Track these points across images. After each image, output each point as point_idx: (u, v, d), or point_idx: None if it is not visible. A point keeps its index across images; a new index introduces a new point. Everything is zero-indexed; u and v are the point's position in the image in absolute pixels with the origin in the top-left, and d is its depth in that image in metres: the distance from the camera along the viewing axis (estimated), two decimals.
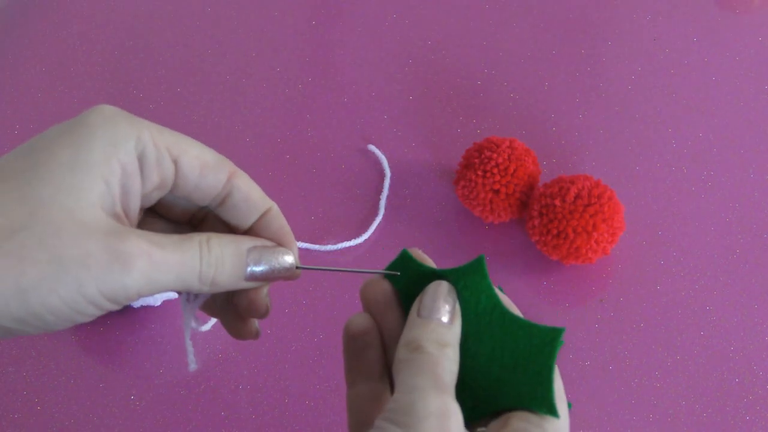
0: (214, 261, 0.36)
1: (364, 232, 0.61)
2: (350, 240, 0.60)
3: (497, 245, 0.60)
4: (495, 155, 0.58)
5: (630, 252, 0.60)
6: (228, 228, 0.39)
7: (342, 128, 0.67)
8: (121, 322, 0.57)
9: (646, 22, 0.73)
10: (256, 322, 0.40)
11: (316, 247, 0.60)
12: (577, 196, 0.55)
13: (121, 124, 0.34)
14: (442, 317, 0.35)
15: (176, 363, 0.56)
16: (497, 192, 0.58)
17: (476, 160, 0.58)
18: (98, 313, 0.34)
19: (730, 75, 0.69)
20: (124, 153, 0.34)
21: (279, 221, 0.40)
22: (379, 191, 0.63)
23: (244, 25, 0.74)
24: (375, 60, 0.71)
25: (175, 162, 0.36)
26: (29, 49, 0.72)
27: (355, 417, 0.36)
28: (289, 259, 0.38)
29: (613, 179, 0.62)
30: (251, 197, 0.39)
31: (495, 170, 0.58)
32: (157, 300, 0.54)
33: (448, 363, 0.34)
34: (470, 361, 0.36)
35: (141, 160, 0.35)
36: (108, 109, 0.35)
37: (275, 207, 0.40)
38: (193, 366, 0.38)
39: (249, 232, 0.39)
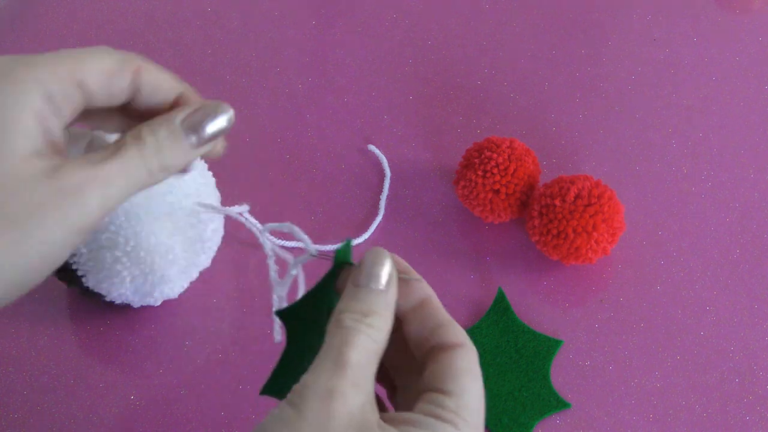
0: (153, 151, 0.37)
1: (364, 232, 0.61)
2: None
3: (497, 245, 0.61)
4: (495, 155, 0.58)
5: (630, 252, 0.60)
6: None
7: (342, 128, 0.67)
8: (121, 322, 0.57)
9: (646, 22, 0.73)
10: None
11: (316, 246, 0.60)
12: (577, 196, 0.55)
13: (20, 73, 0.36)
14: (378, 285, 0.35)
15: (176, 363, 0.56)
16: (497, 192, 0.58)
17: (476, 160, 0.58)
18: (74, 249, 0.35)
19: (730, 75, 0.69)
20: (32, 101, 0.35)
21: (194, 98, 0.41)
22: (379, 191, 0.63)
23: (244, 25, 0.74)
24: (375, 60, 0.71)
25: (80, 85, 0.37)
26: (29, 49, 0.72)
27: None
28: (222, 110, 0.40)
29: (613, 179, 0.62)
30: (160, 86, 0.39)
31: (495, 170, 0.58)
32: (157, 300, 0.54)
33: (362, 337, 0.33)
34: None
35: (49, 100, 0.36)
36: (3, 60, 0.36)
37: (188, 88, 0.41)
38: (278, 338, 0.40)
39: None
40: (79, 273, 0.52)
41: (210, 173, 0.56)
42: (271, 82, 0.70)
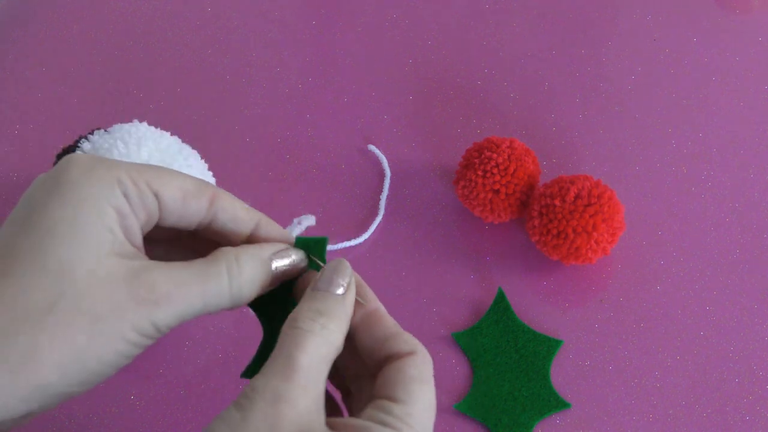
0: (245, 277, 0.37)
1: (364, 232, 0.61)
2: (350, 240, 0.60)
3: (497, 245, 0.61)
4: (495, 155, 0.58)
5: (630, 252, 0.60)
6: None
7: (342, 128, 0.67)
8: None
9: (646, 22, 0.73)
10: None
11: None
12: (577, 196, 0.55)
13: (100, 171, 0.35)
14: (337, 290, 0.36)
15: (176, 363, 0.56)
16: (497, 192, 0.58)
17: (476, 160, 0.58)
18: (140, 351, 0.35)
19: (730, 75, 0.69)
20: (113, 197, 0.35)
21: (274, 229, 0.41)
22: (379, 191, 0.63)
23: (244, 25, 0.74)
24: (375, 60, 0.71)
25: (156, 195, 0.37)
26: (29, 49, 0.72)
27: None
28: (300, 256, 0.40)
29: (613, 179, 0.62)
30: (237, 216, 0.39)
31: (495, 170, 0.58)
32: None
33: (316, 340, 0.34)
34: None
35: (128, 200, 0.36)
36: (83, 158, 0.36)
37: (264, 217, 0.41)
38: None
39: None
40: None
41: (210, 173, 0.56)
42: (271, 82, 0.70)
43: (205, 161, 0.56)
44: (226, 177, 0.59)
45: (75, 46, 0.72)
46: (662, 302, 0.58)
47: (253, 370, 0.42)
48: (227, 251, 0.37)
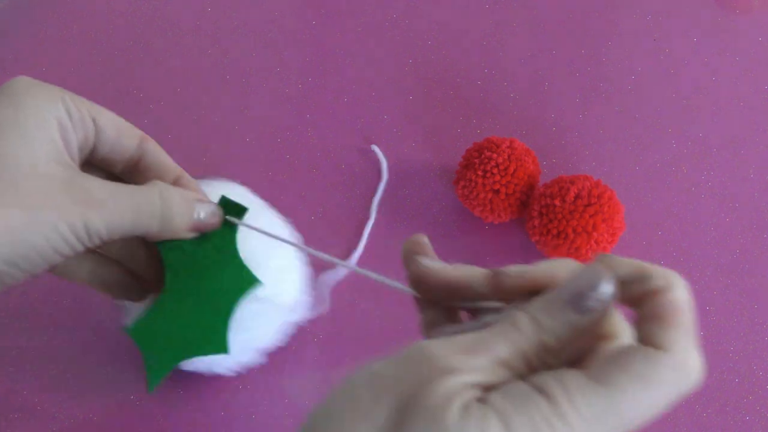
0: (176, 206, 0.41)
1: (364, 232, 0.61)
2: (352, 250, 0.60)
3: (497, 245, 0.60)
4: (495, 155, 0.58)
5: (630, 252, 0.60)
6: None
7: (342, 128, 0.67)
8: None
9: (646, 22, 0.73)
10: None
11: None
12: (577, 196, 0.55)
13: (45, 88, 0.39)
14: (577, 313, 0.28)
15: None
16: (497, 192, 0.58)
17: (476, 160, 0.58)
18: (71, 252, 0.38)
19: (730, 75, 0.69)
20: (56, 110, 0.39)
21: (194, 184, 0.45)
22: (379, 192, 0.63)
23: (244, 25, 0.74)
24: (375, 60, 0.71)
25: (94, 121, 0.41)
26: (29, 49, 0.72)
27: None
28: (219, 213, 0.44)
29: (613, 179, 0.62)
30: (162, 161, 0.44)
31: (495, 170, 0.58)
32: (230, 370, 0.53)
33: (517, 339, 0.28)
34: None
35: (70, 117, 0.39)
36: (26, 79, 0.39)
37: (185, 174, 0.45)
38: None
39: None
40: None
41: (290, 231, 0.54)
42: (271, 82, 0.70)
43: (204, 160, 0.56)
44: (227, 177, 0.59)
45: (75, 46, 0.72)
46: None
47: (137, 327, 0.44)
48: (160, 183, 0.41)
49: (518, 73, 0.70)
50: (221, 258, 0.45)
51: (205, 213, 0.43)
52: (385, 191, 0.63)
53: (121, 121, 0.42)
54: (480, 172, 0.58)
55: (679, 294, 0.30)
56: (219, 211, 0.44)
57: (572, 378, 0.26)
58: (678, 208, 0.62)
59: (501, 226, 0.61)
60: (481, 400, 0.26)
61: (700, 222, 0.61)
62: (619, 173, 0.64)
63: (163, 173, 0.43)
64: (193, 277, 0.45)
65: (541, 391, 0.25)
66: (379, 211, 0.62)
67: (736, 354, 0.56)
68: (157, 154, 0.43)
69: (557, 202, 0.55)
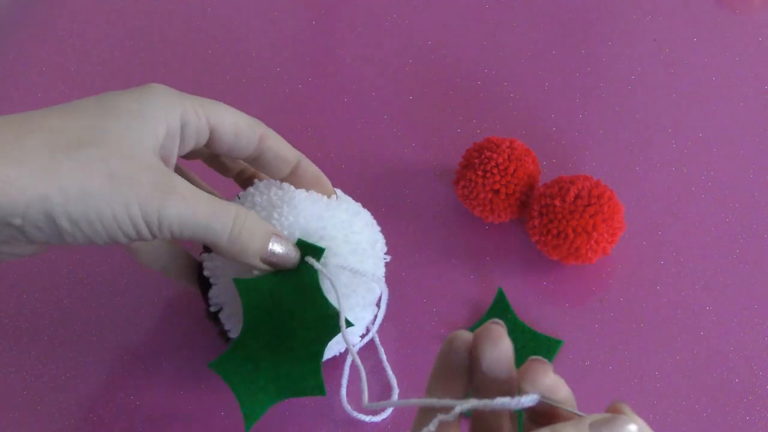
0: (247, 229, 0.43)
1: None
2: None
3: (497, 245, 0.61)
4: (495, 155, 0.58)
5: (630, 252, 0.60)
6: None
7: (342, 128, 0.67)
8: (120, 321, 0.57)
9: (646, 22, 0.73)
10: None
11: None
12: (577, 196, 0.55)
13: (173, 97, 0.43)
14: None
15: (176, 363, 0.56)
16: (497, 192, 0.58)
17: (476, 160, 0.58)
18: (135, 236, 0.40)
19: (730, 75, 0.69)
20: (171, 117, 0.42)
21: (311, 169, 0.49)
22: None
23: (244, 25, 0.74)
24: (375, 60, 0.71)
25: (212, 130, 0.44)
26: (29, 49, 0.72)
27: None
28: (294, 253, 0.46)
29: (613, 179, 0.62)
30: (281, 154, 0.47)
31: (495, 170, 0.58)
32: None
33: None
34: None
35: (183, 127, 0.43)
36: (161, 87, 0.43)
37: (304, 158, 0.49)
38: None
39: (285, 180, 0.49)
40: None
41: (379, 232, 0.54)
42: (271, 82, 0.70)
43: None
44: (226, 177, 0.59)
45: (75, 46, 0.72)
46: (662, 302, 0.58)
47: (220, 362, 0.44)
48: (240, 208, 0.43)
49: (518, 73, 0.70)
50: (304, 299, 0.45)
51: (280, 248, 0.45)
52: (385, 191, 0.63)
53: (242, 124, 0.45)
54: (480, 172, 0.58)
55: None
56: (294, 251, 0.46)
57: None
58: (678, 208, 0.62)
59: (501, 226, 0.61)
60: None
61: (700, 222, 0.61)
62: (619, 173, 0.64)
63: (280, 166, 0.48)
64: (274, 318, 0.45)
65: None
66: (378, 212, 0.62)
67: (736, 354, 0.56)
68: (276, 149, 0.47)
69: (557, 202, 0.55)
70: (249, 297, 0.45)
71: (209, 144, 0.46)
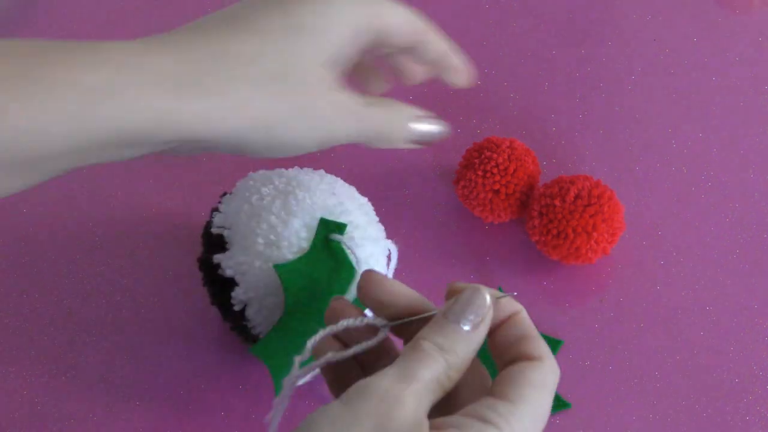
0: (404, 119, 0.44)
1: None
2: None
3: (497, 245, 0.61)
4: (495, 155, 0.58)
5: (630, 252, 0.60)
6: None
7: None
8: (120, 321, 0.57)
9: (646, 22, 0.73)
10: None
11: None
12: (577, 197, 0.55)
13: (357, 5, 0.41)
14: (464, 326, 0.35)
15: (176, 363, 0.56)
16: (497, 192, 0.58)
17: (476, 160, 0.58)
18: (312, 149, 0.41)
19: (730, 75, 0.69)
20: (349, 30, 0.41)
21: (458, 65, 0.50)
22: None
23: None
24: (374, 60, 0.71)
25: (379, 39, 0.43)
26: None
27: None
28: (437, 128, 0.46)
29: (613, 179, 0.62)
30: (438, 49, 0.47)
31: (495, 170, 0.58)
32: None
33: (434, 365, 0.33)
34: None
35: (356, 37, 0.41)
36: None
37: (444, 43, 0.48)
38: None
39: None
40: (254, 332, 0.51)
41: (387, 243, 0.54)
42: None
43: (204, 160, 0.56)
44: (226, 177, 0.59)
45: None
46: (662, 302, 0.58)
47: (262, 347, 0.43)
48: (399, 105, 0.45)
49: (518, 73, 0.70)
50: (339, 276, 0.46)
51: (424, 130, 0.45)
52: (385, 191, 0.63)
53: (406, 28, 0.44)
54: (480, 172, 0.58)
55: (526, 314, 0.38)
56: (437, 127, 0.47)
57: (501, 405, 0.32)
58: (678, 208, 0.62)
59: (501, 226, 0.61)
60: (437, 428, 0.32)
61: (700, 222, 0.61)
62: (619, 173, 0.64)
63: (432, 58, 0.47)
64: (313, 298, 0.46)
65: (485, 420, 0.32)
66: (379, 212, 0.62)
67: (736, 354, 0.56)
68: (435, 49, 0.47)
69: (557, 202, 0.55)
70: (289, 280, 0.45)
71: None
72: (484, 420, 0.32)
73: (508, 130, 0.66)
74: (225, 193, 0.53)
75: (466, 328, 0.34)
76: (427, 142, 0.45)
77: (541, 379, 0.34)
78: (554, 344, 0.56)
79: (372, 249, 0.50)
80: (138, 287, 0.59)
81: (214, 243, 0.51)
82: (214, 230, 0.51)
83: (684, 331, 0.57)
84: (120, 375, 0.55)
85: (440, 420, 0.32)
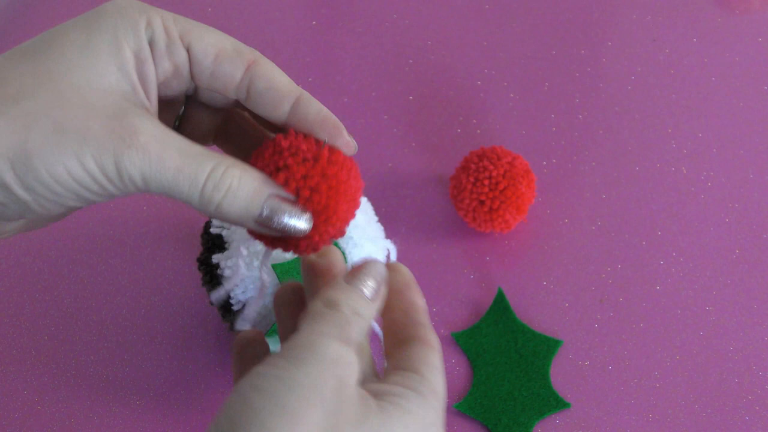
0: (224, 188, 0.34)
1: None
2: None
3: (497, 245, 0.60)
4: (491, 167, 0.57)
5: (630, 252, 0.60)
6: (262, 124, 0.39)
7: None
8: (121, 321, 0.57)
9: (646, 22, 0.73)
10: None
11: None
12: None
13: (131, 11, 0.34)
14: (366, 290, 0.35)
15: (175, 363, 0.56)
16: (482, 203, 0.57)
17: (473, 165, 0.58)
18: (100, 190, 0.33)
19: (730, 75, 0.69)
20: (133, 39, 0.34)
21: (315, 107, 0.39)
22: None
23: (245, 25, 0.74)
24: (375, 60, 0.71)
25: (188, 49, 0.36)
26: None
27: None
28: (303, 225, 0.36)
29: (613, 179, 0.62)
30: (275, 85, 0.37)
31: (486, 181, 0.57)
32: None
33: (358, 327, 0.33)
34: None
35: (151, 46, 0.35)
36: (121, 2, 0.35)
37: (306, 93, 0.38)
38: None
39: (286, 125, 0.38)
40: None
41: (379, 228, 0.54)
42: None
43: None
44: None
45: None
46: (662, 302, 0.58)
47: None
48: (227, 157, 0.35)
49: (518, 74, 0.70)
50: None
51: (280, 221, 0.35)
52: (385, 192, 0.63)
53: (226, 45, 0.36)
54: (471, 179, 0.57)
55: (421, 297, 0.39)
56: (304, 216, 0.36)
57: (423, 380, 0.34)
58: (677, 208, 0.62)
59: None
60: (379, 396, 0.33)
61: (699, 222, 0.61)
62: (618, 173, 0.64)
63: (276, 102, 0.37)
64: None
65: (419, 392, 0.33)
66: (379, 212, 0.62)
67: (736, 354, 0.56)
68: (270, 78, 0.37)
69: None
70: (287, 279, 0.46)
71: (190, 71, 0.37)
72: (418, 392, 0.33)
73: (507, 129, 0.66)
74: None
75: (368, 293, 0.35)
76: (279, 231, 0.36)
77: (441, 365, 0.36)
78: (554, 344, 0.56)
79: (371, 248, 0.50)
80: (138, 287, 0.59)
81: (214, 243, 0.51)
82: (214, 230, 0.51)
83: (684, 331, 0.57)
84: (120, 375, 0.55)
85: (382, 387, 0.33)
